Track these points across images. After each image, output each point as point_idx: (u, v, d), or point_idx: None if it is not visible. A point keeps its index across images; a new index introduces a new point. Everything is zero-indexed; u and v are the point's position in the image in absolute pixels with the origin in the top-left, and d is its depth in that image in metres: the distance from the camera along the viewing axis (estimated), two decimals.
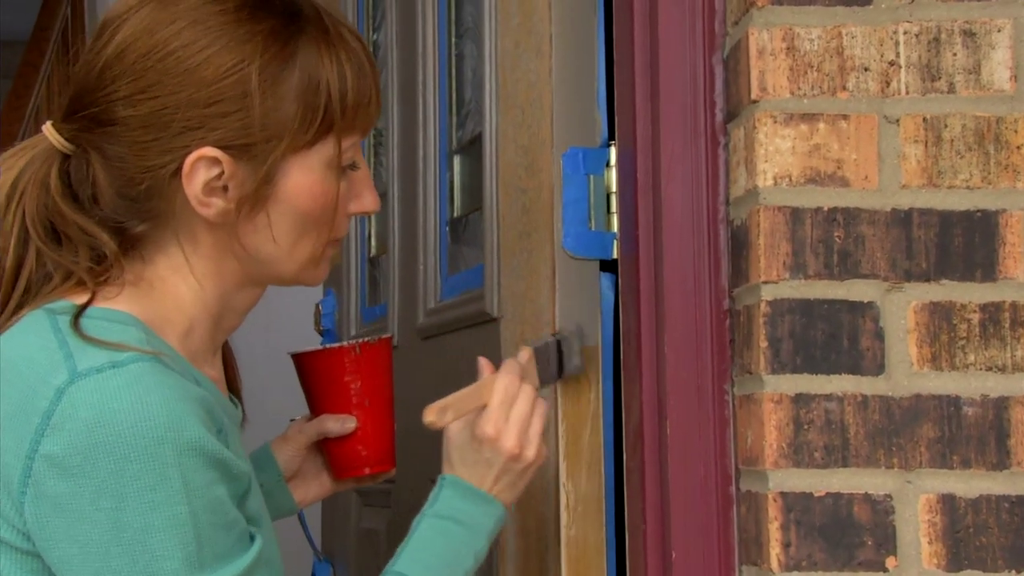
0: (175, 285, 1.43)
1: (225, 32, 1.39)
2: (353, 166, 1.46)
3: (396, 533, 2.49)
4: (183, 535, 1.30)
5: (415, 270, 2.37)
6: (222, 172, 1.39)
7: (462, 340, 2.16)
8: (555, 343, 1.71)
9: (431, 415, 1.49)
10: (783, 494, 1.40)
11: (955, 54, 1.42)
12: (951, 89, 1.42)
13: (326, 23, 1.43)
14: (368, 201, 1.49)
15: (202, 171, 1.39)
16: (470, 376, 2.10)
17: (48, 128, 1.44)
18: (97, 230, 1.41)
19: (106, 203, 1.42)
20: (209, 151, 1.38)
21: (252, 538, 1.38)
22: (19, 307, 1.41)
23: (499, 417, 1.54)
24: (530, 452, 1.54)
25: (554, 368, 1.70)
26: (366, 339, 1.68)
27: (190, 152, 1.38)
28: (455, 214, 2.31)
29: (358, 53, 1.44)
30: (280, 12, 1.41)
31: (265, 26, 1.40)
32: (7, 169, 1.44)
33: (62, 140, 1.43)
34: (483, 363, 1.60)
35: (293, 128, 1.40)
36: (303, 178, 1.42)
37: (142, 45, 1.39)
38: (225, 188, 1.40)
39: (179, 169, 1.39)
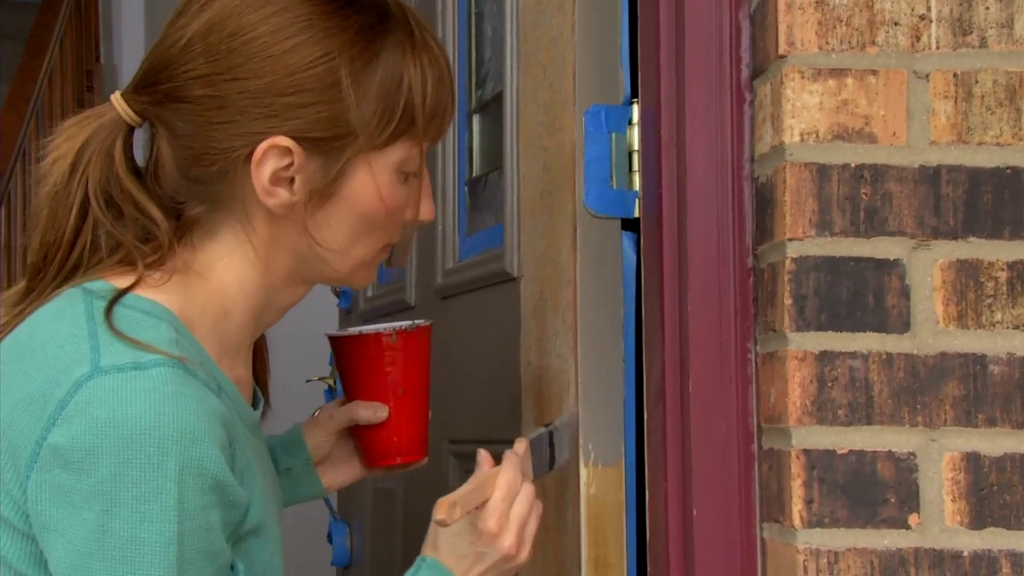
0: (221, 274, 1.41)
1: (314, 23, 1.37)
2: (417, 174, 1.45)
3: (412, 494, 2.49)
4: (166, 555, 1.27)
5: (434, 230, 2.36)
6: (292, 163, 1.37)
7: (481, 300, 2.16)
8: (547, 435, 1.69)
9: (442, 512, 1.44)
10: (806, 451, 1.39)
11: (988, 8, 1.41)
12: (983, 44, 1.41)
13: (412, 27, 1.42)
14: (426, 210, 1.47)
15: (272, 160, 1.37)
16: (487, 337, 2.10)
17: (117, 98, 1.42)
18: (153, 210, 1.39)
19: (166, 181, 1.40)
20: (283, 140, 1.37)
21: (234, 569, 1.36)
22: (66, 279, 1.39)
23: (502, 513, 1.50)
24: (524, 554, 1.51)
25: (546, 459, 1.68)
26: (405, 325, 1.63)
27: (263, 139, 1.36)
28: (474, 174, 2.30)
29: (440, 61, 1.43)
30: (369, 10, 1.40)
31: (354, 22, 1.38)
32: (70, 138, 1.42)
33: (131, 112, 1.41)
34: (483, 456, 1.55)
35: (370, 128, 1.38)
36: (370, 180, 1.40)
37: (229, 25, 1.37)
38: (292, 180, 1.38)
39: (249, 155, 1.37)
